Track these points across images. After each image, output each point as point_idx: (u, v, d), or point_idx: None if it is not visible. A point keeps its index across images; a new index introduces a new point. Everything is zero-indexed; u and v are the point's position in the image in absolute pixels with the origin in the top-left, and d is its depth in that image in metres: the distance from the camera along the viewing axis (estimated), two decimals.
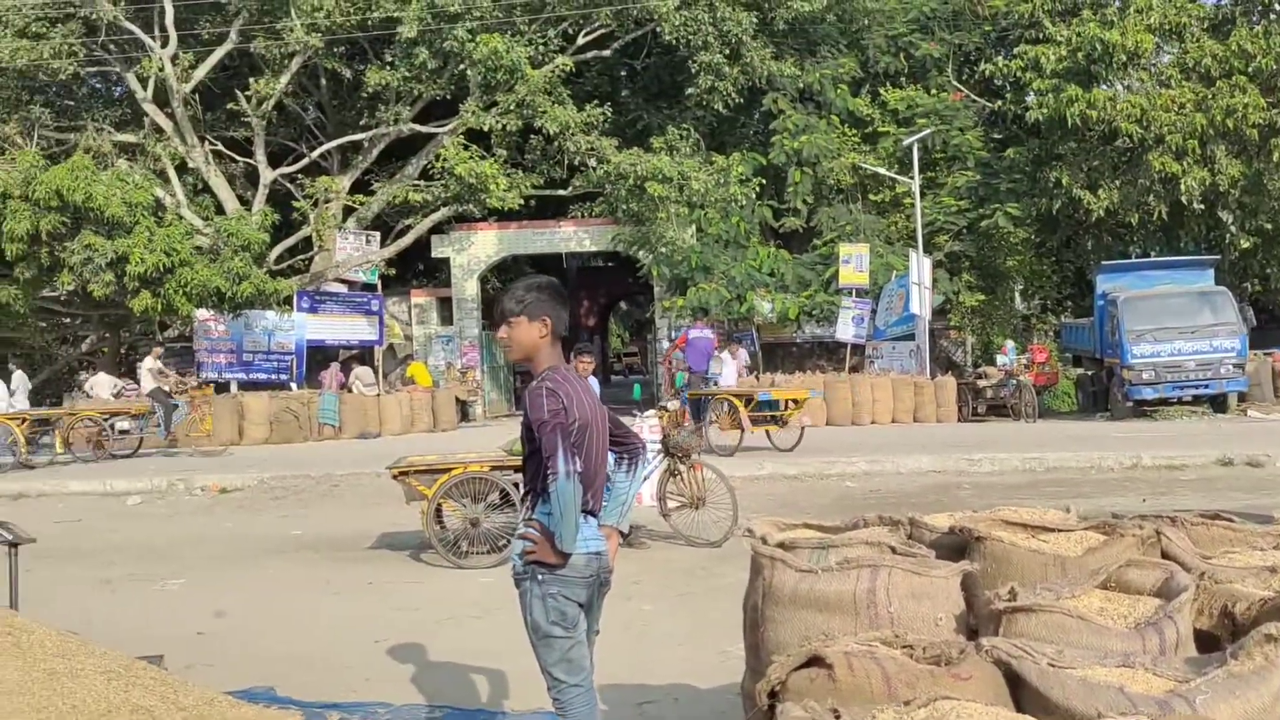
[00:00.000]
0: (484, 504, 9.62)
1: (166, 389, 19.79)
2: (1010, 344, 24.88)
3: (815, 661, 2.62)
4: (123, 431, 19.50)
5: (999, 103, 28.99)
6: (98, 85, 29.69)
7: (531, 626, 3.76)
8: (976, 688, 2.46)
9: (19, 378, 23.02)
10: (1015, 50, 27.44)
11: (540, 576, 3.69)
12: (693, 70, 25.81)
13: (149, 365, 20.01)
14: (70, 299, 23.97)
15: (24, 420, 18.90)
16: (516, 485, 9.62)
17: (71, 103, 28.40)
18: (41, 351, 28.52)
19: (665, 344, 26.68)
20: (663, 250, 25.76)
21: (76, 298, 23.51)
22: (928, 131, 26.15)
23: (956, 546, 3.66)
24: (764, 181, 27.25)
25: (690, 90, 26.66)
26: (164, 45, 25.39)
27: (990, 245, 26.90)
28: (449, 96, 26.27)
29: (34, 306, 23.62)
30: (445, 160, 25.45)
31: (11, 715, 3.29)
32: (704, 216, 26.04)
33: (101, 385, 23.80)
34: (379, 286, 27.76)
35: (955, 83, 28.81)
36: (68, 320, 27.11)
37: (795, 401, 16.69)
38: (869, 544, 3.38)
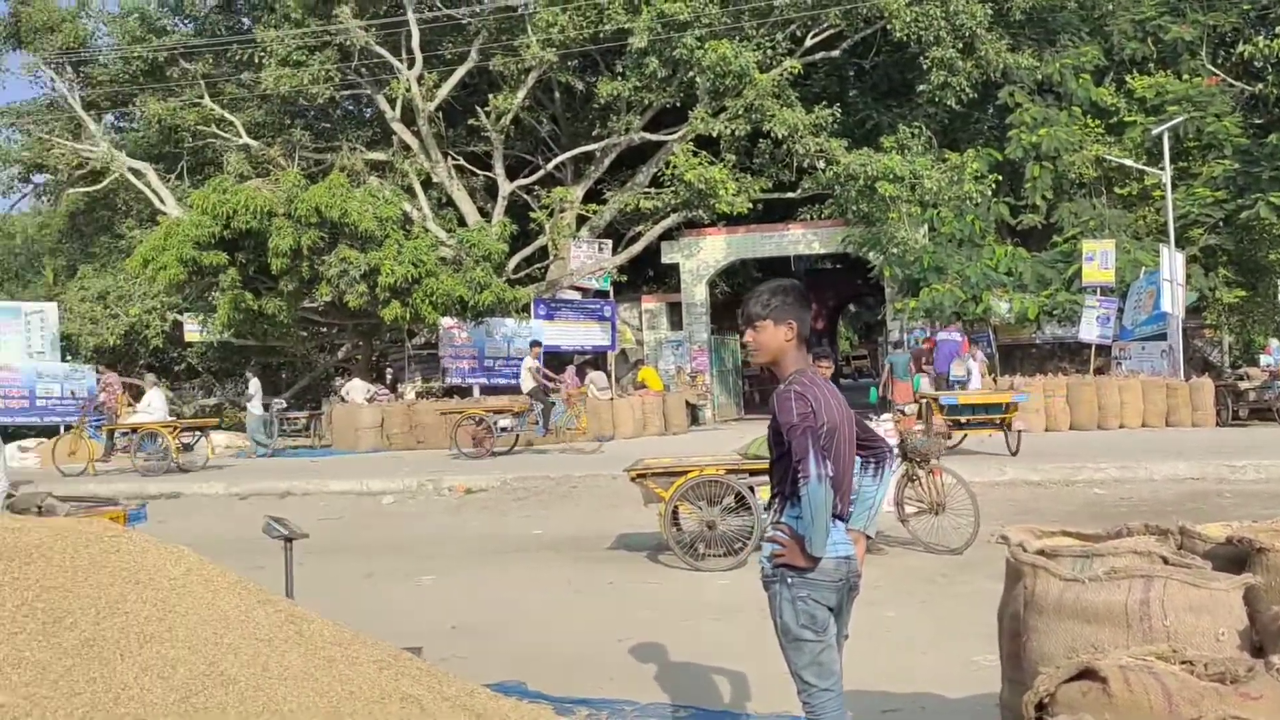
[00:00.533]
0: (720, 507, 9.69)
1: (550, 387, 20.38)
2: (1275, 343, 23.17)
3: (1087, 674, 2.52)
4: (503, 429, 20.21)
5: (1259, 86, 27.07)
6: (350, 108, 31.49)
7: (781, 629, 3.76)
8: (1268, 709, 2.31)
9: (255, 385, 24.56)
10: (1278, 30, 25.55)
11: (789, 580, 3.69)
12: (924, 66, 25.23)
13: (529, 364, 20.51)
14: (327, 309, 25.48)
15: (175, 428, 20.00)
16: (752, 489, 9.65)
17: (328, 125, 30.23)
18: (302, 359, 30.44)
19: (891, 347, 26.15)
20: (894, 251, 25.27)
21: (333, 308, 24.98)
22: (1179, 119, 24.68)
23: (1234, 558, 3.44)
24: (1000, 178, 26.34)
25: (922, 87, 26.08)
26: (410, 67, 26.70)
27: (1250, 238, 25.14)
28: (678, 104, 26.57)
29: (296, 317, 25.23)
30: (675, 167, 25.75)
31: (297, 699, 3.53)
32: (937, 215, 25.39)
33: (356, 390, 25.21)
34: (611, 293, 28.34)
35: (1210, 66, 27.08)
36: (325, 329, 28.84)
37: (1006, 406, 16.18)
38: (1138, 553, 3.21)
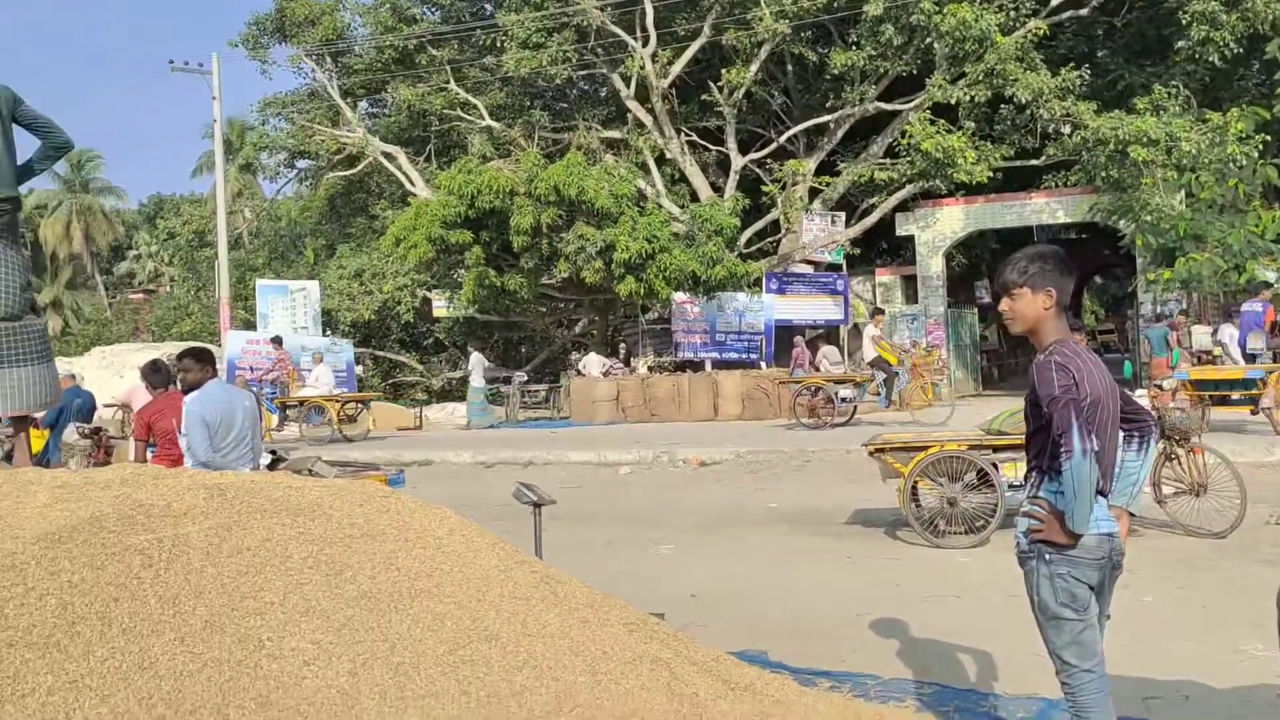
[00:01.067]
0: (961, 483, 9.45)
1: (897, 359, 19.90)
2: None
3: None
4: (844, 400, 19.95)
5: None
6: (586, 87, 32.13)
7: (1039, 607, 3.65)
8: None
9: (475, 359, 25.41)
10: None
11: (1048, 556, 3.58)
12: (1183, 22, 23.67)
13: (870, 333, 20.41)
14: (565, 285, 26.18)
15: (340, 402, 21.00)
16: (995, 465, 9.37)
17: (565, 105, 30.97)
18: (541, 334, 31.40)
19: (1145, 320, 24.75)
20: (1147, 219, 23.87)
21: (570, 284, 25.65)
22: None
23: None
24: (1268, 138, 24.47)
25: (1180, 44, 24.47)
26: (644, 44, 27.02)
27: None
28: (914, 72, 25.88)
29: (536, 293, 26.05)
30: (911, 136, 25.11)
31: (554, 656, 3.68)
32: (1195, 180, 23.80)
33: (592, 364, 25.84)
34: (844, 266, 27.96)
35: None
36: (563, 305, 29.64)
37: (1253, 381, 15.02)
38: None
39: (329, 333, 29.23)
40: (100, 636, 3.03)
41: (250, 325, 29.25)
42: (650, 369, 27.16)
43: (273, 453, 8.91)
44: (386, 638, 3.37)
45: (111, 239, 61.34)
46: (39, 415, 13.88)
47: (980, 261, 31.78)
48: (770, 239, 28.59)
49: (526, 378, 28.09)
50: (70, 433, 11.39)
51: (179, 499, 3.72)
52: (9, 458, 10.29)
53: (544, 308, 29.12)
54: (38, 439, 11.95)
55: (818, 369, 24.73)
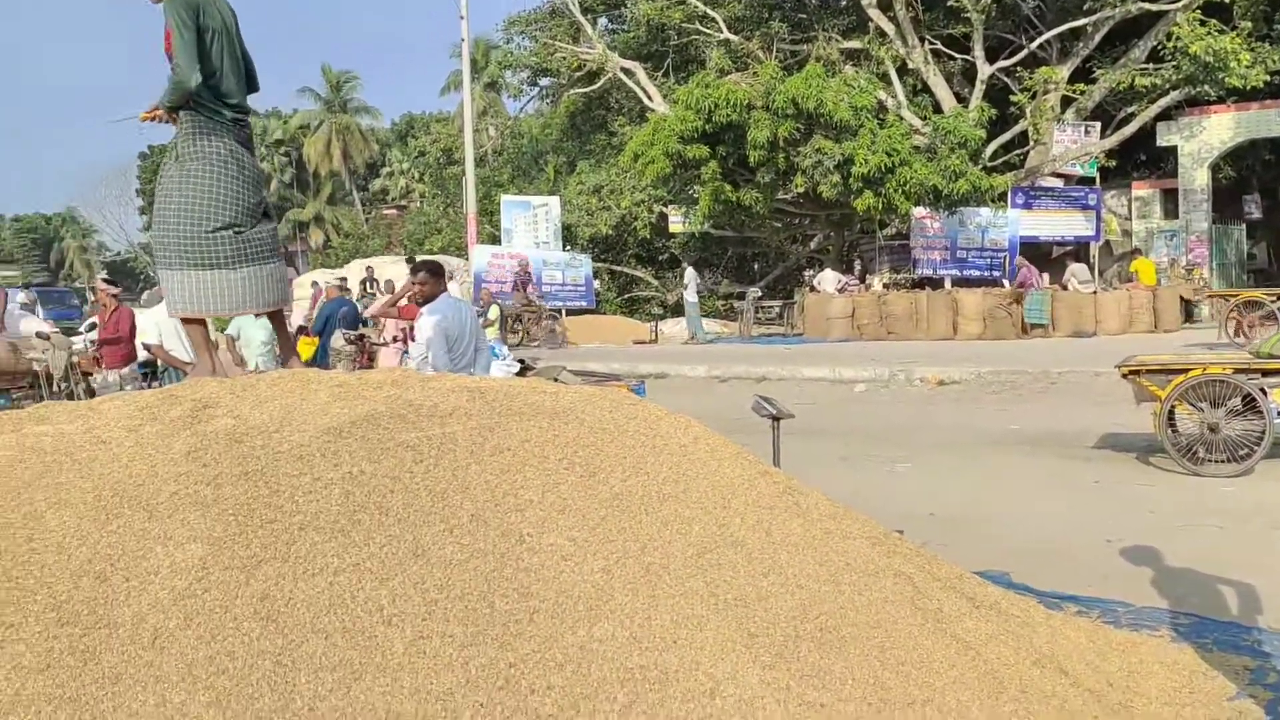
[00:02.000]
0: (1224, 409, 8.92)
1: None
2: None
3: None
4: None
5: None
6: None
7: None
8: None
9: (690, 274, 25.38)
10: None
11: None
12: None
13: None
14: (801, 200, 25.88)
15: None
16: (1264, 390, 8.80)
17: (804, 16, 30.31)
18: (776, 249, 31.22)
19: None
20: None
21: (806, 199, 25.33)
22: None
23: None
24: None
25: None
26: None
27: None
28: None
29: (771, 208, 25.86)
30: (1177, 39, 23.40)
31: (798, 565, 3.73)
32: None
33: (827, 280, 25.55)
34: (1097, 179, 26.50)
35: None
36: (798, 220, 29.34)
37: None
38: None
39: (568, 247, 29.95)
40: (378, 524, 3.27)
41: (495, 240, 30.29)
42: (886, 286, 26.64)
43: (520, 361, 9.28)
44: (637, 538, 3.49)
45: (367, 156, 64.42)
46: (306, 323, 14.82)
47: (1250, 174, 29.45)
48: (1017, 151, 27.36)
49: (760, 293, 28.06)
50: (338, 339, 12.18)
51: (444, 400, 3.94)
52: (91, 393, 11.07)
53: (779, 223, 28.89)
54: (308, 346, 12.82)
55: (1065, 288, 23.69)
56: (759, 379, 16.95)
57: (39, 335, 12.09)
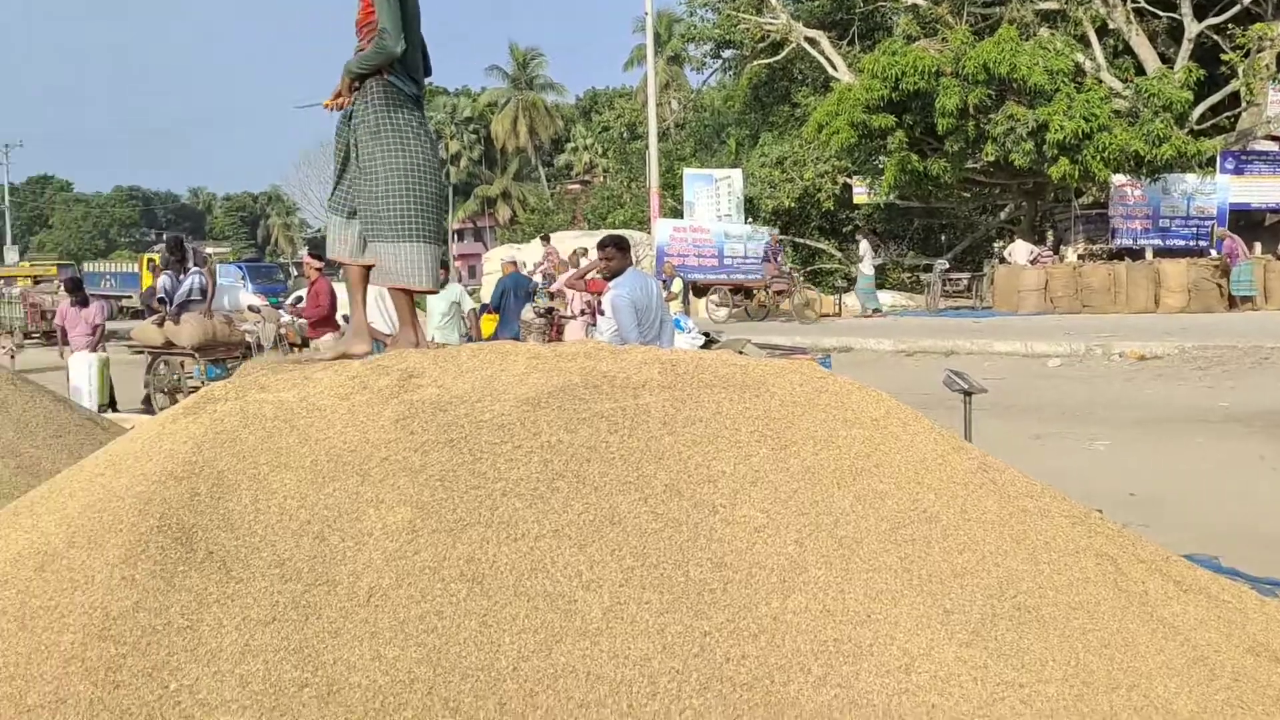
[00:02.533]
0: None
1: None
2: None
3: None
4: None
5: None
6: None
7: None
8: None
9: (865, 246, 24.76)
10: None
11: None
12: None
13: None
14: (991, 169, 25.08)
15: None
16: None
17: None
18: (964, 220, 30.41)
19: None
20: None
21: (997, 167, 24.54)
22: None
23: None
24: None
25: None
26: None
27: None
28: None
29: (960, 177, 25.17)
30: None
31: (994, 542, 3.65)
32: None
33: (1019, 251, 24.75)
34: None
35: None
36: (988, 190, 28.47)
37: None
38: None
39: (750, 220, 29.84)
40: (576, 492, 3.36)
41: (678, 213, 30.41)
42: (1081, 257, 25.62)
43: (705, 334, 9.34)
44: (830, 512, 3.48)
45: (552, 132, 65.55)
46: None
47: None
48: (1227, 114, 25.81)
49: (948, 265, 27.38)
50: (527, 312, 12.50)
51: (637, 372, 4.00)
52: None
53: (967, 193, 28.10)
54: (489, 321, 13.18)
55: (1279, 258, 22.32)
56: (946, 353, 16.57)
57: (250, 308, 12.83)
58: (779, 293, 24.00)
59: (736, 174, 30.00)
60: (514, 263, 15.96)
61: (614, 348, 4.54)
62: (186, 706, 2.73)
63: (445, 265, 5.09)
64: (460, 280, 40.68)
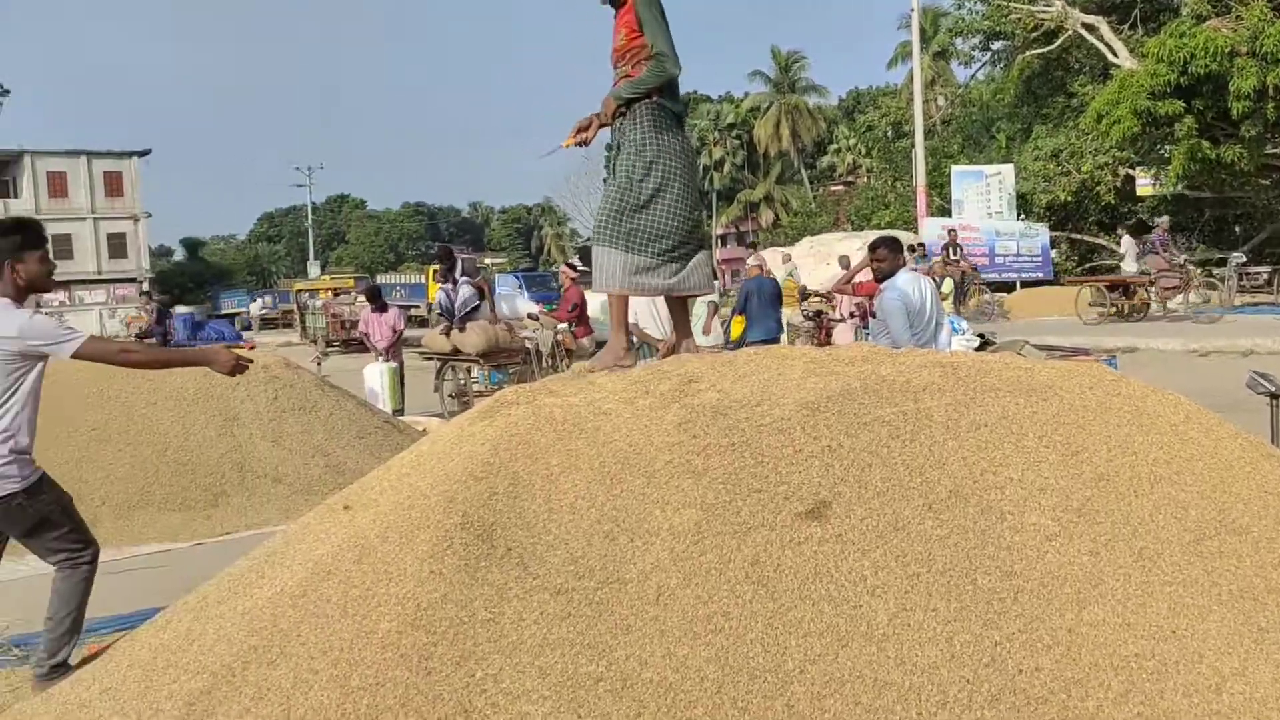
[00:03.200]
0: None
1: None
2: None
3: None
4: None
5: None
6: None
7: None
8: None
9: (1128, 242, 22.99)
10: None
11: None
12: None
13: None
14: None
15: None
16: None
17: None
18: (1262, 210, 28.22)
19: None
20: None
21: None
22: None
23: None
24: None
25: None
26: None
27: None
28: None
29: (1258, 164, 23.35)
30: None
31: None
32: None
33: None
34: None
35: None
36: None
37: None
38: None
39: (1023, 216, 28.70)
40: (858, 497, 3.35)
41: (945, 212, 29.62)
42: None
43: (980, 336, 9.07)
44: (1128, 521, 3.33)
45: (814, 135, 65.15)
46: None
47: None
48: None
49: (1244, 259, 25.44)
50: (795, 314, 12.47)
51: (916, 375, 3.95)
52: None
53: (1266, 180, 26.02)
54: (738, 324, 13.19)
55: None
56: (1245, 353, 15.41)
57: (529, 316, 13.39)
58: (1169, 288, 22.24)
59: (1008, 169, 28.92)
60: (759, 266, 15.97)
61: (891, 351, 4.49)
62: (492, 694, 2.90)
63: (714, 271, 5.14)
64: (724, 284, 41.00)
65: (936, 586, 3.06)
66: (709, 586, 3.07)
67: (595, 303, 12.41)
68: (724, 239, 73.97)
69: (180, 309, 36.06)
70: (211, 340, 21.48)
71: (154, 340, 16.50)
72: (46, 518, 4.33)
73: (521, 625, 3.02)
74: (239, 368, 4.57)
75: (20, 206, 53.44)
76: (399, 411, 12.49)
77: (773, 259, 27.73)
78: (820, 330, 12.10)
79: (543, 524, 3.37)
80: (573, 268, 13.06)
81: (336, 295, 37.99)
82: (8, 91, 56.72)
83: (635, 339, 11.76)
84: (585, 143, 5.05)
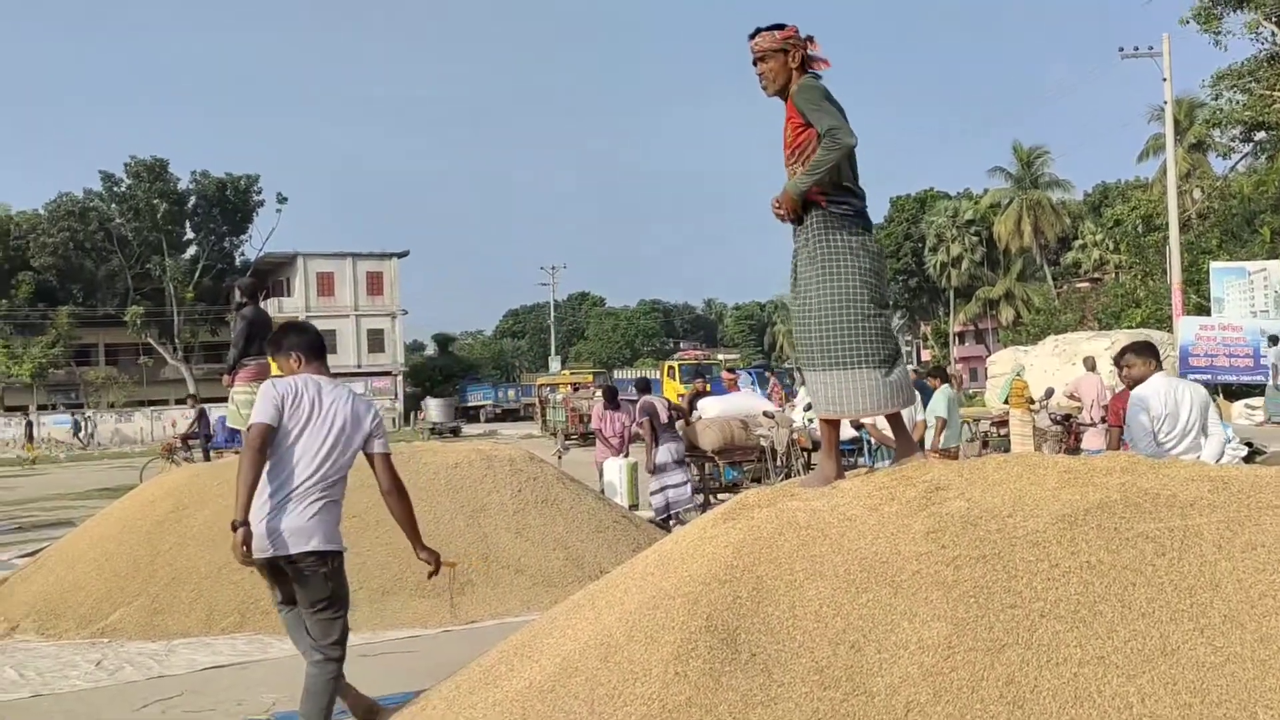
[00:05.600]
0: None
1: None
2: None
3: None
4: None
5: None
6: None
7: None
8: None
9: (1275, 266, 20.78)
10: None
11: None
12: None
13: None
14: None
15: None
16: None
17: None
18: None
19: None
20: None
21: None
22: None
23: None
24: None
25: None
26: None
27: None
28: None
29: None
30: None
31: None
32: None
33: None
34: None
35: None
36: None
37: None
38: None
39: None
40: (1121, 618, 3.17)
41: (1203, 310, 28.02)
42: None
43: (1248, 444, 8.51)
44: None
45: (1058, 230, 63.07)
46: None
47: None
48: None
49: None
50: (1042, 418, 12.01)
51: (1183, 489, 3.73)
52: None
53: None
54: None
55: None
56: None
57: (765, 414, 13.40)
58: None
59: (1274, 265, 27.15)
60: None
61: (1154, 462, 4.28)
62: None
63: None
64: (961, 384, 39.98)
65: (1213, 719, 2.86)
66: (960, 705, 2.96)
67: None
68: (961, 336, 72.07)
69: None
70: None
71: (196, 442, 17.32)
72: (339, 595, 4.56)
73: None
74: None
75: (292, 305, 57.75)
76: (634, 506, 12.67)
77: (1010, 358, 26.89)
78: (1069, 435, 11.58)
79: (787, 630, 3.34)
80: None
81: (575, 390, 39.09)
82: (285, 199, 61.69)
83: (873, 440, 11.59)
84: (786, 217, 4.81)
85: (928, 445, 11.20)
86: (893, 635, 3.23)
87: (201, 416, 17.75)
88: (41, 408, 52.40)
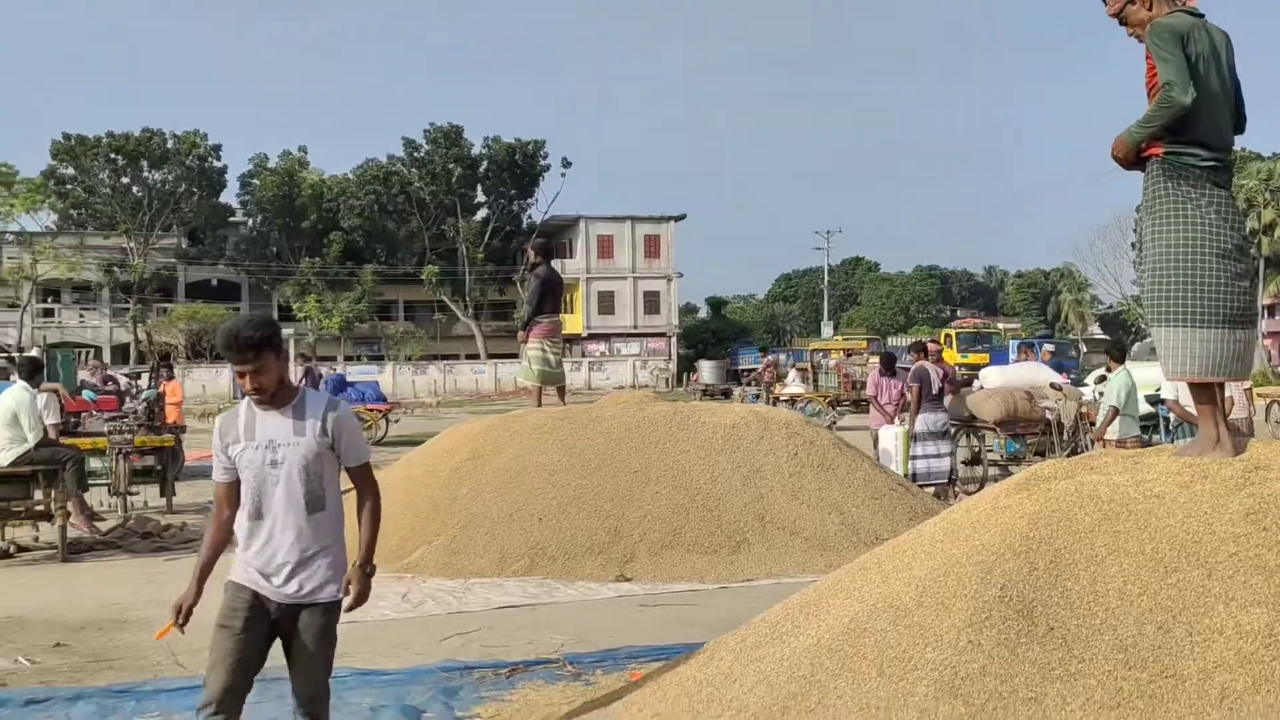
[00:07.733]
0: None
1: None
2: None
3: None
4: None
5: None
6: None
7: None
8: None
9: None
10: None
11: None
12: None
13: None
14: None
15: None
16: None
17: None
18: None
19: None
20: None
21: None
22: None
23: None
24: None
25: None
26: None
27: None
28: None
29: None
30: None
31: None
32: None
33: None
34: None
35: None
36: None
37: None
38: None
39: None
40: None
41: None
42: None
43: None
44: None
45: None
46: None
47: None
48: None
49: None
50: None
51: None
52: None
53: None
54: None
55: None
56: None
57: (1052, 385, 12.85)
58: None
59: None
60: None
61: None
62: None
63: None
64: (1270, 360, 36.97)
65: None
66: None
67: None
68: (1272, 310, 66.55)
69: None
70: (353, 401, 21.78)
71: None
72: (334, 638, 3.99)
73: (1066, 709, 2.92)
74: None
75: (574, 266, 59.71)
76: (910, 476, 12.45)
77: None
78: None
79: (1087, 606, 3.24)
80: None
81: (849, 355, 38.66)
82: (570, 164, 63.70)
83: (1172, 416, 10.87)
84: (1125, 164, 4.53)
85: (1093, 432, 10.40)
86: (1206, 619, 3.07)
87: (308, 374, 18.55)
88: (348, 358, 56.43)
